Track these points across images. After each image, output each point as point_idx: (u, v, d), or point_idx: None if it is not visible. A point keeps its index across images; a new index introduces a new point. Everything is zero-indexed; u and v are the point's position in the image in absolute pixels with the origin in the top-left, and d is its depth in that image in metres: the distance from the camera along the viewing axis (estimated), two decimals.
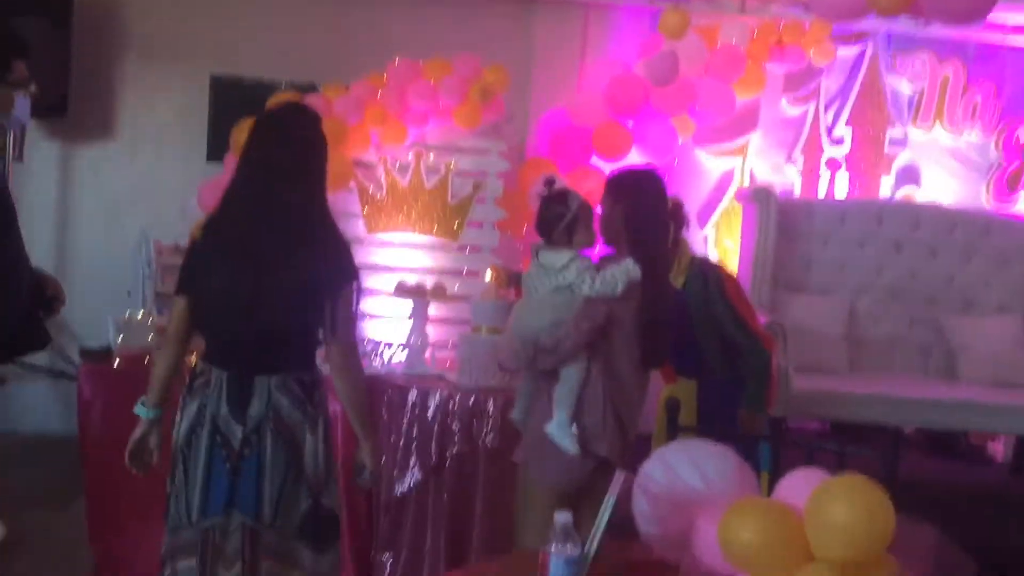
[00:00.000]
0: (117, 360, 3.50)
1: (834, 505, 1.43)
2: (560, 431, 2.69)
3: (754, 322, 3.35)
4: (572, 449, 2.68)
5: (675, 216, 3.34)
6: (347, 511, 3.52)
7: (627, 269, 2.67)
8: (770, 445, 2.56)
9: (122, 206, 5.35)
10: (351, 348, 2.42)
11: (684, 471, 1.74)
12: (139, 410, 2.41)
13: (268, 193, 2.32)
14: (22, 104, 2.50)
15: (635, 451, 2.68)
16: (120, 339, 3.52)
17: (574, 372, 2.70)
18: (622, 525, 1.76)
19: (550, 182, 2.91)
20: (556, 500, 2.65)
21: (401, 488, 3.51)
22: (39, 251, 5.27)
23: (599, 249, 2.92)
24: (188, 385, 2.36)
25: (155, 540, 3.41)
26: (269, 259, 2.28)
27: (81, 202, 5.40)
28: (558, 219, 2.78)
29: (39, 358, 5.16)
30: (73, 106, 5.02)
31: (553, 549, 1.49)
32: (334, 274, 2.34)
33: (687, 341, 3.33)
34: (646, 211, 2.79)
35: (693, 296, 3.31)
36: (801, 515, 1.48)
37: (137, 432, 2.40)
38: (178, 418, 2.34)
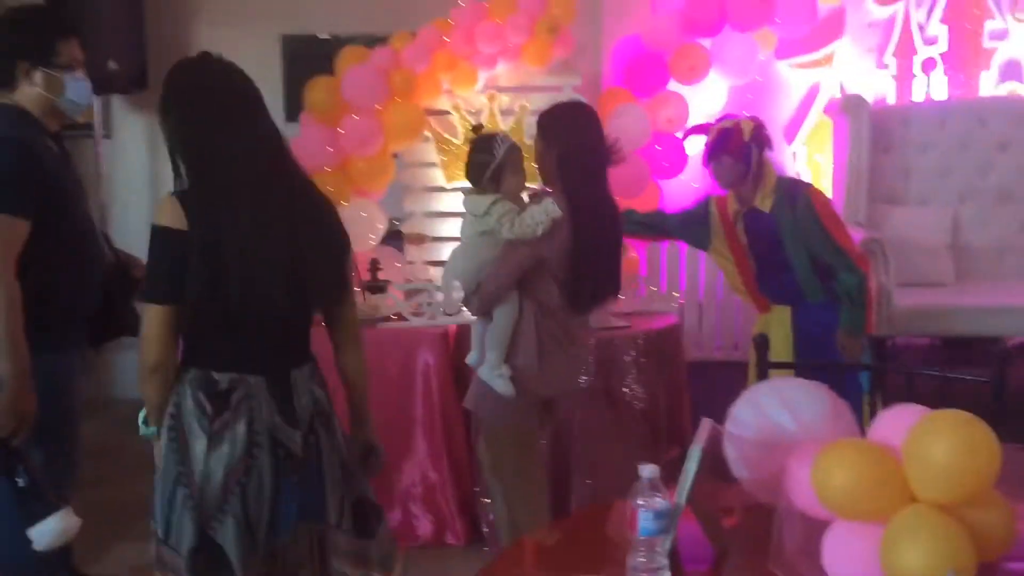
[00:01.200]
0: None
1: (934, 443, 1.35)
2: (490, 373, 2.73)
3: (847, 241, 3.22)
4: (505, 390, 2.71)
5: (756, 138, 3.22)
6: (447, 460, 3.58)
7: (545, 209, 2.63)
8: (870, 373, 2.46)
9: None
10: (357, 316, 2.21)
11: (774, 412, 1.68)
12: (145, 431, 2.14)
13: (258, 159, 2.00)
14: (76, 87, 2.46)
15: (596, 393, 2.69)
16: None
17: (504, 314, 2.73)
18: (718, 470, 1.73)
19: (477, 128, 3.06)
20: (508, 443, 2.79)
21: None
22: (134, 224, 5.46)
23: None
24: (216, 407, 1.95)
25: None
26: (299, 236, 2.00)
27: (170, 173, 5.52)
28: (485, 166, 2.77)
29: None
30: (153, 77, 5.11)
31: (640, 503, 1.46)
32: (346, 238, 2.14)
33: (779, 267, 3.23)
34: (574, 149, 2.70)
35: (782, 219, 3.21)
36: (899, 454, 1.41)
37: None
38: (201, 448, 1.93)
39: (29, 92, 2.43)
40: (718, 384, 4.24)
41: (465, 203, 2.85)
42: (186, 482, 1.94)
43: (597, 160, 2.73)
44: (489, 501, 3.59)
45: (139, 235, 5.77)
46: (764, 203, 3.25)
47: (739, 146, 3.24)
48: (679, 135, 4.82)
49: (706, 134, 3.38)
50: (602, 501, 3.31)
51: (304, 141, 4.33)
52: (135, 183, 5.49)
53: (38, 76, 2.42)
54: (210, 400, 1.94)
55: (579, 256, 2.66)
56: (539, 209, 2.65)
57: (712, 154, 3.29)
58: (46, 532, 2.20)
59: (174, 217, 1.93)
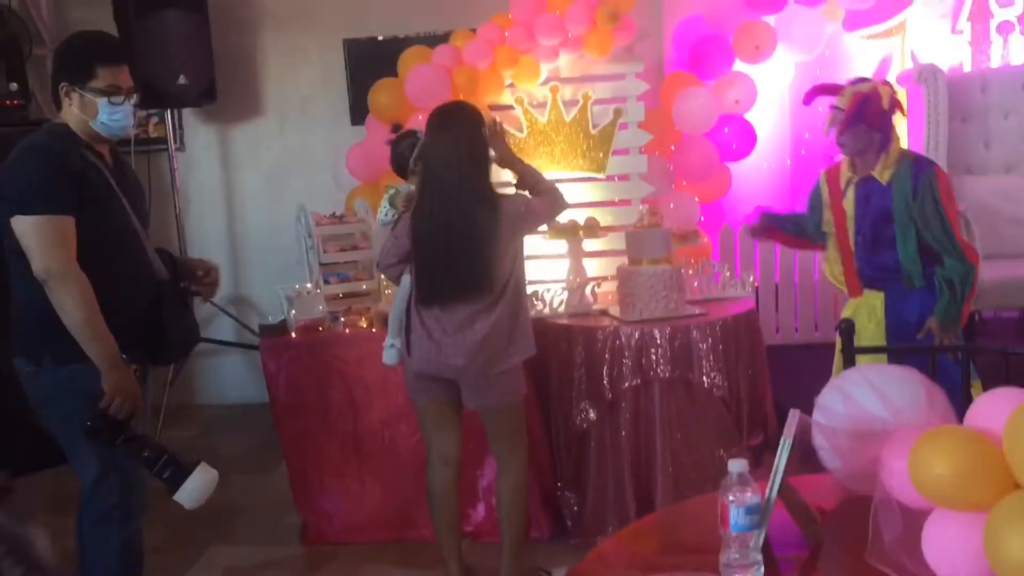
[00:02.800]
0: (293, 333, 3.65)
1: None
2: (385, 347, 3.12)
3: (959, 231, 3.07)
4: (386, 359, 3.13)
5: (893, 104, 3.07)
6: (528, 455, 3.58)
7: (389, 199, 3.31)
8: (962, 354, 2.37)
9: (280, 180, 5.55)
10: None
11: (865, 400, 1.64)
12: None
13: None
14: (110, 111, 2.52)
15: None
16: (293, 312, 3.66)
17: (398, 295, 3.09)
18: (808, 460, 1.69)
19: (396, 128, 3.42)
20: (428, 418, 3.06)
21: (578, 428, 3.52)
22: (212, 234, 5.60)
23: None
24: None
25: (354, 498, 3.63)
26: None
27: (243, 181, 5.64)
28: (406, 159, 3.25)
29: (227, 332, 5.50)
30: (222, 89, 5.21)
31: (731, 498, 1.44)
32: None
33: (883, 243, 3.09)
34: (436, 146, 2.86)
35: (899, 192, 3.05)
36: (999, 440, 1.36)
37: None
38: None
39: (69, 112, 2.55)
40: (799, 367, 4.18)
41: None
42: None
43: (448, 159, 2.81)
44: (571, 495, 3.60)
45: (214, 243, 5.89)
46: (883, 174, 3.07)
47: (878, 113, 3.04)
48: (746, 117, 4.74)
49: (833, 95, 3.15)
50: (685, 492, 3.32)
51: (371, 144, 4.37)
52: (208, 194, 5.62)
53: (75, 97, 2.52)
54: None
55: (416, 249, 2.87)
56: (386, 198, 3.28)
57: (850, 122, 3.05)
58: (192, 491, 2.42)
59: None
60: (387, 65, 4.55)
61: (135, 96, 2.59)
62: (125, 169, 2.72)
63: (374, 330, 3.59)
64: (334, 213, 4.02)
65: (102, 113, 2.51)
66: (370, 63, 5.04)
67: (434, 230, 2.83)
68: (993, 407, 1.46)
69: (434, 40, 4.59)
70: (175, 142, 5.36)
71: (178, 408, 5.37)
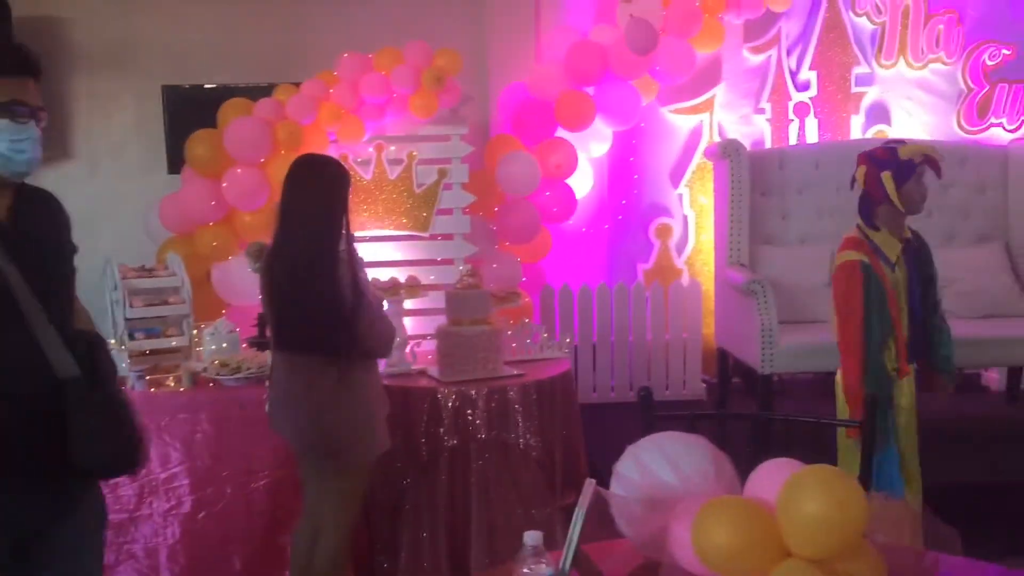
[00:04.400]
0: None
1: (804, 500, 1.39)
2: None
3: None
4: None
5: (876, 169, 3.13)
6: None
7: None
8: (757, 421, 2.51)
9: (88, 228, 5.23)
10: None
11: (657, 467, 1.70)
12: None
13: None
14: (14, 136, 1.91)
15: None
16: None
17: None
18: (607, 526, 1.73)
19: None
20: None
21: (393, 490, 3.48)
22: None
23: None
24: None
25: (149, 570, 3.41)
26: None
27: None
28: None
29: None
30: None
31: (525, 571, 1.45)
32: None
33: (930, 305, 3.22)
34: (288, 198, 2.86)
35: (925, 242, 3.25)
36: (774, 511, 1.45)
37: None
38: None
39: None
40: (615, 426, 4.29)
41: None
42: None
43: (301, 214, 2.82)
44: (383, 558, 3.54)
45: None
46: (906, 229, 3.20)
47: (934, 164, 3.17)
48: (571, 190, 4.90)
49: (889, 160, 3.14)
50: (500, 553, 3.32)
51: (186, 195, 4.23)
52: None
53: None
54: None
55: (272, 298, 2.88)
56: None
57: (919, 174, 3.12)
58: None
59: None
60: (207, 115, 4.42)
61: (43, 119, 1.97)
62: (33, 222, 2.00)
63: (181, 390, 3.44)
64: (143, 265, 3.85)
65: (0, 140, 1.90)
66: (190, 111, 4.88)
67: (282, 279, 2.82)
68: (769, 477, 1.55)
69: (257, 92, 4.51)
70: None
71: None
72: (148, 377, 3.50)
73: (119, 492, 3.35)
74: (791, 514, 1.41)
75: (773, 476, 1.52)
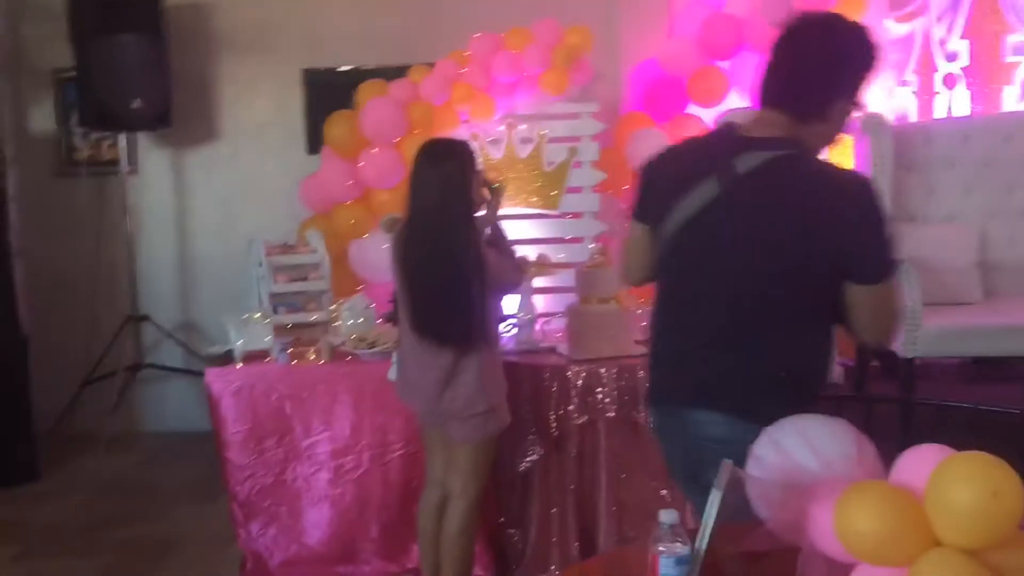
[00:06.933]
0: (239, 363, 3.62)
1: (955, 487, 1.33)
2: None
3: None
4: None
5: None
6: None
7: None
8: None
9: (233, 206, 5.52)
10: None
11: (796, 451, 1.67)
12: None
13: None
14: None
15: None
16: (240, 342, 3.63)
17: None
18: (744, 510, 1.71)
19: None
20: (423, 435, 3.13)
21: (523, 465, 3.53)
22: (163, 258, 5.54)
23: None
24: None
25: (295, 532, 3.59)
26: None
27: (195, 207, 5.60)
28: None
29: (174, 359, 5.43)
30: (177, 113, 5.18)
31: (661, 548, 1.45)
32: None
33: None
34: (418, 178, 2.87)
35: None
36: (922, 497, 1.40)
37: None
38: None
39: None
40: None
41: None
42: None
43: (436, 196, 2.83)
44: (514, 531, 3.59)
45: (164, 268, 5.81)
46: None
47: None
48: None
49: None
50: (628, 530, 3.33)
51: (325, 175, 4.37)
52: (160, 217, 5.57)
53: None
54: None
55: (403, 280, 2.90)
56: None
57: None
58: None
59: None
60: (344, 97, 4.56)
61: None
62: None
63: (322, 363, 3.57)
64: (285, 243, 4.00)
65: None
66: (328, 94, 5.04)
67: (416, 256, 2.88)
68: (917, 463, 1.49)
69: (392, 73, 4.62)
70: (128, 165, 5.31)
71: (120, 435, 5.27)
72: (291, 351, 3.65)
73: (266, 457, 3.53)
74: (941, 502, 1.35)
75: (922, 462, 1.46)
